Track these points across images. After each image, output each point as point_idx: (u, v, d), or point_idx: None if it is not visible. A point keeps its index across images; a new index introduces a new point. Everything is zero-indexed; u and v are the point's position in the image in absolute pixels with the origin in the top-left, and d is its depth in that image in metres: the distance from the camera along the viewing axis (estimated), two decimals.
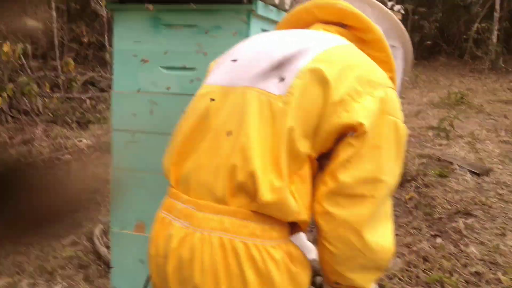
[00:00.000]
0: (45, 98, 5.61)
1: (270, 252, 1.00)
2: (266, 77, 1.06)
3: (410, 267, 2.88)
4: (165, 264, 1.06)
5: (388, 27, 1.26)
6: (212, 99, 1.09)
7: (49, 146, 4.92)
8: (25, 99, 5.34)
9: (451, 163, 4.39)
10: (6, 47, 4.42)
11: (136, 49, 1.81)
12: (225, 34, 1.73)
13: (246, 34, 1.71)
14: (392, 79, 1.17)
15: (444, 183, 3.99)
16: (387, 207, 1.09)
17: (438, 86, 9.95)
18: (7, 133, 5.21)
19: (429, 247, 3.07)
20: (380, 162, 1.01)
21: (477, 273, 2.79)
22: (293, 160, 1.00)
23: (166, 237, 1.06)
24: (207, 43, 1.75)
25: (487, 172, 4.14)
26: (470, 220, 3.41)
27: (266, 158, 0.99)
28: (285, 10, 1.83)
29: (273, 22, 1.81)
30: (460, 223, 3.33)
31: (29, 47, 5.34)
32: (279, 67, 1.06)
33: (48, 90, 5.55)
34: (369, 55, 1.16)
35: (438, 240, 3.19)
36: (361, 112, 0.99)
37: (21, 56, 5.52)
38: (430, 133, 5.56)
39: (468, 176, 4.11)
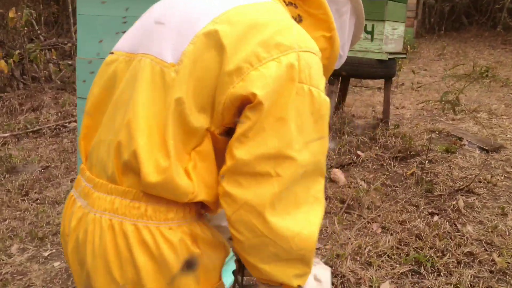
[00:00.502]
0: (53, 65, 5.63)
1: (164, 234, 0.92)
2: (163, 42, 0.95)
3: (401, 245, 2.79)
4: (66, 244, 1.01)
5: None
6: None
7: (56, 114, 4.96)
8: (35, 66, 5.38)
9: (461, 138, 4.22)
10: (11, 13, 4.42)
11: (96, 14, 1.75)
12: None
13: None
14: (331, 38, 1.07)
15: (449, 159, 3.84)
16: (308, 189, 0.94)
17: (465, 59, 9.58)
18: (17, 100, 5.27)
19: (424, 225, 2.97)
20: (287, 136, 0.88)
21: (470, 253, 2.68)
22: (187, 136, 0.90)
23: (69, 216, 1.00)
24: None
25: (497, 148, 3.96)
26: (471, 199, 3.27)
27: (154, 135, 0.90)
28: None
29: None
30: (461, 201, 3.20)
31: (34, 13, 5.34)
32: (178, 31, 0.95)
33: (54, 57, 5.56)
34: (306, 12, 1.06)
35: (435, 218, 3.08)
36: (257, 81, 0.86)
37: (33, 22, 5.53)
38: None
39: (477, 153, 3.95)
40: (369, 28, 4.11)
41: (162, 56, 0.93)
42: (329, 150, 4.08)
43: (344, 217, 3.16)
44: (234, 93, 0.87)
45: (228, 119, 0.90)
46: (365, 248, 2.76)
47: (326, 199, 3.35)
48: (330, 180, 3.62)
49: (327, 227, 3.02)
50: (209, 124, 0.91)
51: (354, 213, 3.21)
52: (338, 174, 3.64)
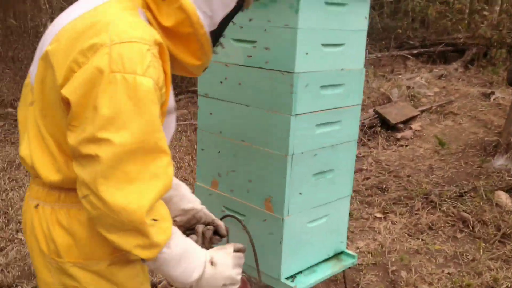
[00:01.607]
0: None
1: (74, 214, 1.15)
2: (34, 64, 1.17)
3: None
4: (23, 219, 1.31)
5: None
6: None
7: None
8: None
9: None
10: None
11: None
12: (280, 7, 1.76)
13: (297, 7, 1.71)
14: (181, 8, 1.11)
15: None
16: (144, 166, 1.03)
17: None
18: None
19: None
20: (99, 121, 0.99)
21: None
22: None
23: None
24: (266, 15, 1.81)
25: None
26: None
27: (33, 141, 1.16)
28: None
29: None
30: None
31: None
32: (37, 55, 1.15)
33: None
34: None
35: None
36: (69, 83, 1.02)
37: None
38: None
39: None
40: None
41: (32, 79, 1.17)
42: (501, 169, 3.64)
43: (495, 246, 2.83)
44: (60, 97, 1.06)
45: None
46: (501, 284, 2.45)
47: (480, 222, 3.04)
48: (493, 203, 3.24)
49: (468, 253, 2.76)
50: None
51: (509, 244, 2.85)
52: (503, 197, 3.24)
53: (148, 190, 1.04)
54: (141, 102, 1.01)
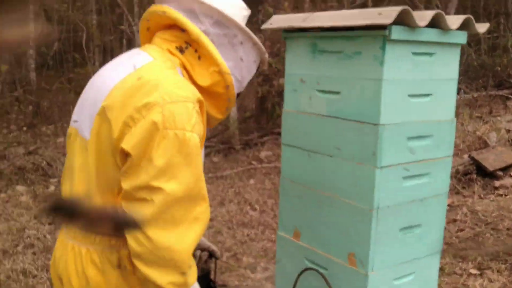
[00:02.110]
0: None
1: (107, 255, 1.29)
2: (84, 120, 1.30)
3: None
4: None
5: (218, 18, 1.35)
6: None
7: None
8: None
9: None
10: None
11: (299, 73, 2.01)
12: (365, 59, 1.74)
13: (382, 59, 1.68)
14: (220, 72, 1.33)
15: None
16: (188, 211, 1.19)
17: None
18: None
19: None
20: (153, 171, 1.15)
21: None
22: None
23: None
24: (351, 67, 1.80)
25: None
26: None
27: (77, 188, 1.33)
28: (419, 27, 1.70)
29: (412, 42, 1.71)
30: None
31: None
32: (90, 113, 1.28)
33: None
34: (198, 52, 1.33)
35: None
36: (128, 138, 1.17)
37: None
38: None
39: None
40: None
41: (83, 134, 1.30)
42: None
43: None
44: (120, 149, 1.19)
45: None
46: None
47: None
48: None
49: None
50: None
51: None
52: None
53: (190, 232, 1.20)
54: (189, 156, 1.18)
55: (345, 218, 1.87)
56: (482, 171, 4.07)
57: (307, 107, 1.98)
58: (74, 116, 1.38)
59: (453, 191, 4.01)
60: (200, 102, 1.25)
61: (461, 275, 2.89)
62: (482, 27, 1.93)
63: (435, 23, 1.78)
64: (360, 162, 1.79)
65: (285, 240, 2.15)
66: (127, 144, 1.17)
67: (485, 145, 4.67)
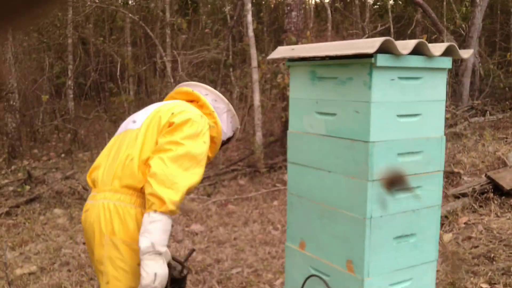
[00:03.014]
0: None
1: (128, 209, 1.90)
2: (138, 121, 2.10)
3: None
4: (82, 219, 2.06)
5: (215, 99, 2.29)
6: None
7: None
8: None
9: None
10: None
11: (301, 97, 2.23)
12: (356, 84, 1.95)
13: (369, 84, 1.89)
14: (215, 124, 2.18)
15: None
16: (192, 166, 1.90)
17: None
18: None
19: None
20: (183, 135, 1.93)
21: None
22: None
23: (83, 213, 2.06)
24: (344, 91, 2.01)
25: None
26: None
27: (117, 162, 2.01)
28: (403, 54, 1.89)
29: (396, 68, 1.91)
30: None
31: None
32: (136, 119, 2.13)
33: None
34: (202, 111, 2.17)
35: None
36: (174, 118, 2.00)
37: None
38: None
39: None
40: None
41: (135, 128, 2.07)
42: None
43: None
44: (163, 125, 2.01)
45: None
46: None
47: None
48: None
49: None
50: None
51: None
52: None
53: (188, 178, 1.88)
54: (204, 140, 2.02)
55: (344, 228, 2.05)
56: (499, 190, 4.14)
57: (308, 128, 2.19)
58: (121, 128, 2.18)
59: (470, 209, 4.08)
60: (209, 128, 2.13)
61: None
62: (466, 53, 2.11)
63: (420, 51, 1.98)
64: (353, 176, 1.98)
65: (292, 251, 2.34)
66: (173, 119, 1.98)
67: (504, 165, 4.72)
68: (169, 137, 1.92)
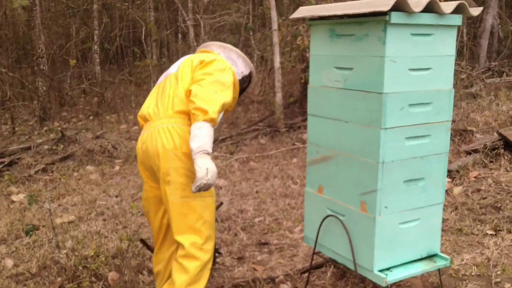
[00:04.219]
0: None
1: (183, 129, 2.38)
2: (168, 73, 2.66)
3: None
4: (139, 150, 2.53)
5: (223, 46, 2.74)
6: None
7: None
8: None
9: None
10: None
11: (321, 53, 2.42)
12: (371, 40, 2.14)
13: (384, 40, 2.07)
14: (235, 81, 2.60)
15: None
16: (222, 91, 2.37)
17: None
18: None
19: None
20: (214, 68, 2.45)
21: None
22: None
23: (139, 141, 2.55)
24: (360, 47, 2.19)
25: None
26: None
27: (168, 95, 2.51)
28: (415, 12, 2.06)
29: (410, 25, 2.08)
30: None
31: None
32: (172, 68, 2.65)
33: None
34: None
35: None
36: (204, 57, 2.54)
37: None
38: None
39: None
40: None
41: (172, 72, 2.61)
42: None
43: None
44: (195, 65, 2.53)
45: None
46: None
47: None
48: None
49: None
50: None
51: None
52: None
53: (221, 99, 2.34)
54: (230, 76, 2.49)
55: (358, 172, 2.27)
56: (510, 147, 4.29)
57: (327, 82, 2.39)
58: (162, 77, 2.70)
59: (481, 164, 4.25)
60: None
61: (477, 235, 3.21)
62: (475, 11, 2.26)
63: (432, 8, 2.14)
64: (368, 125, 2.19)
65: (311, 195, 2.58)
66: (203, 59, 2.51)
67: None
68: (201, 71, 2.42)
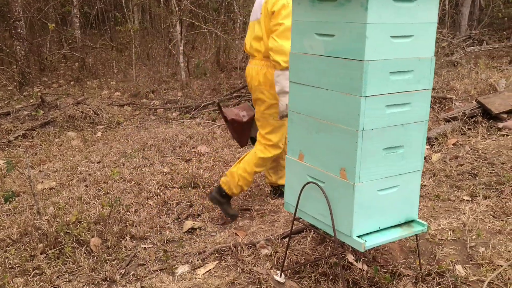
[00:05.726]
0: None
1: (269, 71, 3.31)
2: (256, 13, 3.40)
3: None
4: (247, 77, 3.52)
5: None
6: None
7: None
8: None
9: None
10: None
11: (302, 20, 2.39)
12: (353, 6, 2.11)
13: (366, 6, 2.05)
14: None
15: None
16: (289, 35, 2.84)
17: None
18: None
19: None
20: (283, 16, 3.13)
21: None
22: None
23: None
24: (342, 13, 2.17)
25: None
26: None
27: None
28: None
29: None
30: None
31: None
32: (257, 11, 3.39)
33: None
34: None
35: None
36: (275, 7, 3.19)
37: None
38: None
39: None
40: None
41: (257, 18, 3.40)
42: None
43: None
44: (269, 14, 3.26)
45: None
46: None
47: None
48: None
49: None
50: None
51: None
52: None
53: (289, 45, 2.81)
54: (288, 15, 3.10)
55: (338, 140, 2.28)
56: (488, 114, 4.35)
57: (308, 49, 2.38)
58: (252, 16, 3.41)
59: (459, 132, 4.31)
60: None
61: (454, 201, 3.28)
62: None
63: None
64: (348, 93, 2.19)
65: (292, 162, 2.60)
66: (273, 8, 3.16)
67: (495, 91, 4.90)
68: (274, 21, 3.16)
